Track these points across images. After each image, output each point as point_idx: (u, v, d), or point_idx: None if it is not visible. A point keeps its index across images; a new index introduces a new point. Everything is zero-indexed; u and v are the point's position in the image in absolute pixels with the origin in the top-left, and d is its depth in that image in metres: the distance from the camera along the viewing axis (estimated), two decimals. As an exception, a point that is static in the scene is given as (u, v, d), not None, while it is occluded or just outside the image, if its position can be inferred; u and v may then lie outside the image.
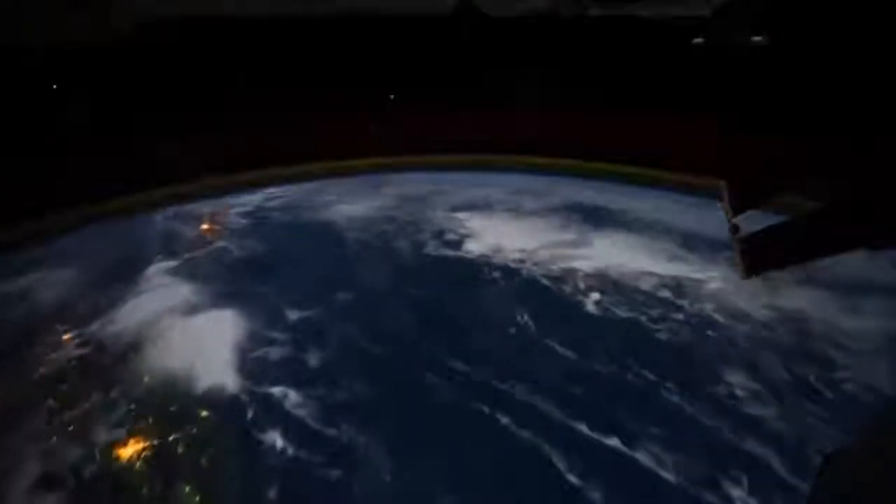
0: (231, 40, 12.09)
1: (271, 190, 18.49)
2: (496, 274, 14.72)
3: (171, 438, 9.31)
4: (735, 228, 4.76)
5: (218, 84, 12.64)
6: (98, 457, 8.95)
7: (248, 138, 13.40)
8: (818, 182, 4.97)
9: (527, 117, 13.44)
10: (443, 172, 18.94)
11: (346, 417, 9.72)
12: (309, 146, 14.11)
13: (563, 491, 8.61)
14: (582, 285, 13.91)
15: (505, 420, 9.69)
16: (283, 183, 17.50)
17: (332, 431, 9.54)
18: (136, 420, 9.58)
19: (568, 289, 13.89)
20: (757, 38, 7.53)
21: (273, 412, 9.86)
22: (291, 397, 10.27)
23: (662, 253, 15.26)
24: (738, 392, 10.06)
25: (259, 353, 11.58)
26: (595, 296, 13.49)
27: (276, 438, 9.42)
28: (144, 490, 8.62)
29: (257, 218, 17.91)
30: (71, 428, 9.46)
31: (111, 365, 10.94)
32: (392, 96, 13.90)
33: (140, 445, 9.26)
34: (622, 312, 12.95)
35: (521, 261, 15.26)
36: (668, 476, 8.68)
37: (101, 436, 9.20)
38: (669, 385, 10.38)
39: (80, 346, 11.54)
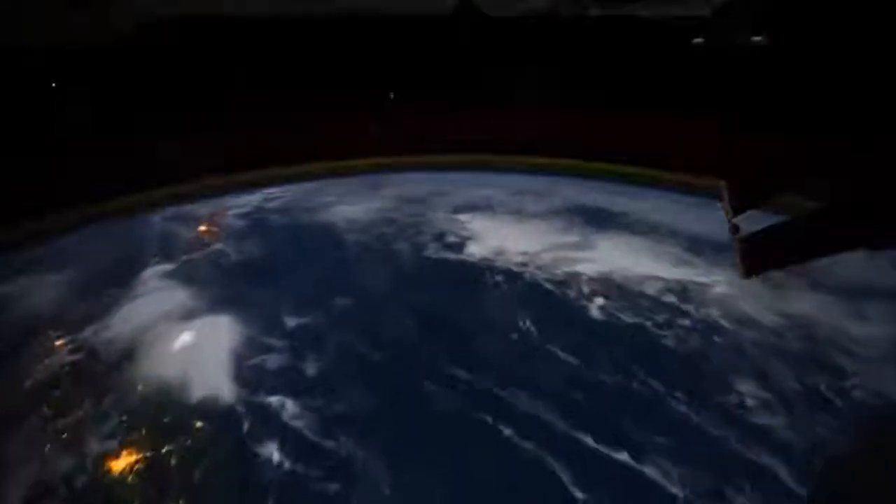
0: (231, 40, 12.09)
1: (270, 190, 18.42)
2: (498, 278, 14.62)
3: (164, 450, 9.11)
4: (735, 228, 4.76)
5: (218, 84, 12.64)
6: (90, 469, 8.75)
7: (248, 138, 13.40)
8: (818, 182, 4.97)
9: (527, 117, 13.44)
10: (443, 172, 18.90)
11: (345, 429, 9.53)
12: (309, 146, 14.11)
13: (567, 505, 8.48)
14: (586, 290, 13.80)
15: (507, 431, 9.53)
16: (283, 183, 17.48)
17: (330, 444, 9.34)
18: (129, 431, 9.37)
19: (571, 293, 13.79)
20: (757, 38, 7.53)
21: (270, 423, 9.67)
22: (289, 407, 10.09)
23: (666, 256, 15.17)
24: (747, 401, 9.89)
25: (256, 360, 11.43)
26: (599, 300, 13.38)
27: (272, 451, 9.22)
28: (136, 504, 8.44)
29: (256, 220, 17.80)
30: (63, 438, 9.28)
31: (104, 372, 10.78)
32: (392, 95, 13.90)
33: (132, 457, 9.08)
34: (627, 318, 12.83)
35: (524, 264, 15.16)
36: (675, 489, 8.53)
37: (93, 447, 9.00)
38: (676, 394, 10.23)
39: (73, 352, 11.39)
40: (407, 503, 8.68)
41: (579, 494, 8.67)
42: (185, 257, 15.58)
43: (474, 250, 16.31)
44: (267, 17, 11.78)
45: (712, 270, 14.36)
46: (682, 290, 13.57)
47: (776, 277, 12.60)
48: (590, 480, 8.85)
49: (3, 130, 10.96)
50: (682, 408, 9.96)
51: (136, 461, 9.03)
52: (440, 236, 17.07)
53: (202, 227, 17.53)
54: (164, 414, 9.87)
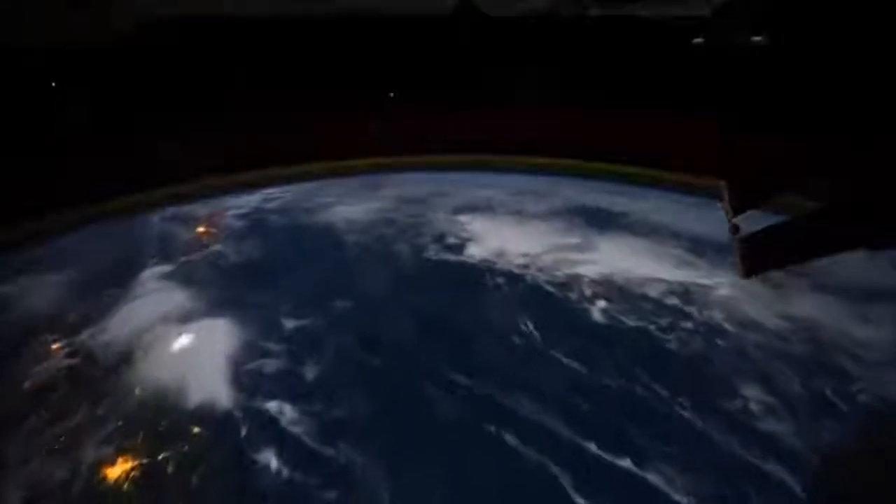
0: (231, 40, 12.10)
1: (270, 191, 18.32)
2: (499, 280, 14.50)
3: (160, 457, 8.93)
4: (735, 228, 4.77)
5: (218, 84, 12.64)
6: (85, 475, 8.58)
7: (248, 138, 13.40)
8: (818, 182, 4.98)
9: (527, 117, 13.45)
10: (443, 172, 18.85)
11: (344, 435, 9.36)
12: (309, 146, 14.11)
13: (571, 513, 8.35)
14: (588, 292, 13.69)
15: (509, 438, 9.38)
16: (283, 183, 17.46)
17: (329, 451, 9.17)
18: (126, 436, 9.19)
19: (573, 296, 13.67)
20: (757, 38, 7.53)
21: (268, 429, 9.49)
22: (287, 413, 9.91)
23: (668, 257, 15.06)
24: (752, 406, 9.76)
25: (254, 365, 11.29)
26: (601, 303, 13.26)
27: (270, 458, 9.05)
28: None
29: (255, 220, 17.66)
30: (58, 443, 9.10)
31: (101, 376, 10.61)
32: (392, 94, 13.90)
33: (128, 465, 8.92)
34: (629, 321, 12.70)
35: (525, 266, 15.03)
36: (679, 497, 8.40)
37: (89, 453, 8.83)
38: (680, 399, 10.11)
39: (70, 355, 11.24)
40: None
41: (582, 502, 8.55)
42: (183, 258, 15.44)
43: (475, 252, 16.18)
44: (267, 17, 11.78)
45: (715, 272, 14.24)
46: (685, 293, 13.46)
47: (777, 279, 12.57)
48: (593, 488, 8.72)
49: (3, 130, 10.95)
50: (686, 413, 9.82)
51: (133, 468, 8.88)
52: (440, 237, 16.94)
53: (201, 228, 17.44)
54: (160, 419, 9.70)
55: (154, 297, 13.46)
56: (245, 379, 10.86)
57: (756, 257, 4.68)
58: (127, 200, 13.46)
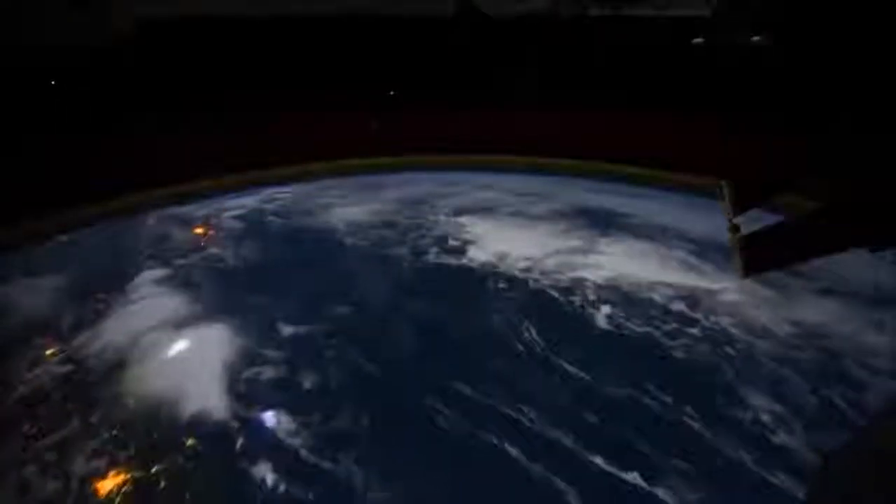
0: (231, 40, 12.10)
1: (269, 192, 18.32)
2: (501, 284, 14.42)
3: (153, 470, 8.71)
4: (735, 228, 4.78)
5: (218, 84, 12.64)
6: (75, 490, 8.34)
7: (248, 138, 13.39)
8: (818, 182, 4.98)
9: (527, 117, 13.45)
10: (443, 173, 18.85)
11: (342, 447, 9.09)
12: (309, 146, 14.10)
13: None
14: (592, 297, 13.63)
15: (513, 451, 9.17)
16: (283, 183, 17.47)
17: (327, 464, 8.91)
18: (118, 448, 8.93)
19: (577, 300, 13.60)
20: (757, 38, 7.55)
21: (263, 441, 9.25)
22: (284, 424, 9.71)
23: (672, 260, 15.01)
24: (762, 417, 9.59)
25: (250, 373, 11.10)
26: (606, 309, 13.19)
27: (266, 472, 8.82)
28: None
29: (253, 222, 17.62)
30: (49, 455, 8.85)
31: (94, 384, 10.42)
32: (392, 93, 13.90)
33: (120, 478, 8.69)
34: (635, 327, 12.61)
35: (528, 270, 14.97)
36: None
37: (80, 466, 8.60)
38: (688, 409, 9.93)
39: (63, 362, 11.08)
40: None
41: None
42: (180, 261, 15.40)
43: (476, 255, 16.14)
44: (267, 17, 11.78)
45: (720, 276, 14.17)
46: (691, 297, 13.40)
47: (784, 282, 12.54)
48: (600, 503, 8.58)
49: (2, 130, 10.94)
50: (695, 424, 9.68)
51: (124, 482, 8.69)
52: (441, 240, 16.90)
53: (199, 230, 17.39)
54: (154, 429, 9.49)
55: (150, 301, 13.40)
56: (241, 387, 10.71)
57: (756, 257, 4.69)
58: (127, 200, 13.42)
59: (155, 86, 12.24)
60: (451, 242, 15.23)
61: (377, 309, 12.25)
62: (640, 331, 11.46)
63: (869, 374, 10.20)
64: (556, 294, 12.85)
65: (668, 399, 9.52)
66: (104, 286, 11.98)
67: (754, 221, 4.43)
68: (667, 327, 11.68)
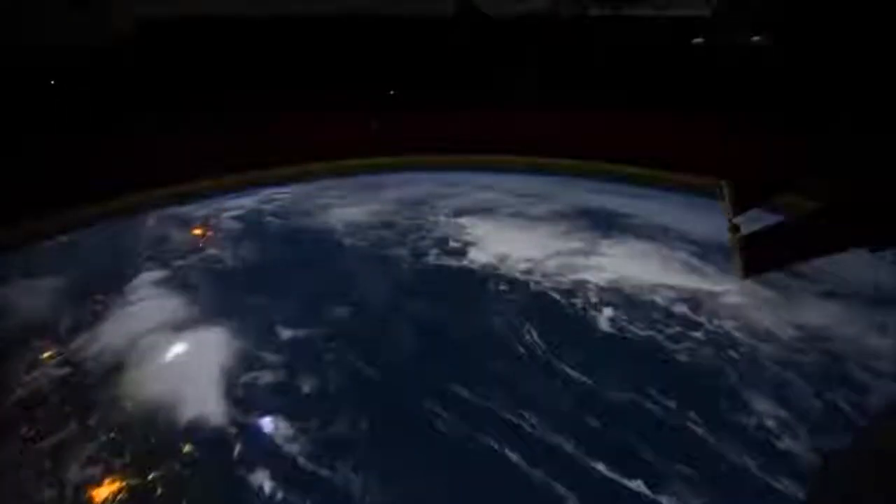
0: (231, 40, 12.11)
1: (268, 192, 18.20)
2: (502, 286, 14.22)
3: (150, 477, 8.50)
4: (735, 228, 4.75)
5: (218, 84, 12.64)
6: (70, 498, 8.14)
7: (248, 138, 13.39)
8: (818, 182, 4.96)
9: (527, 117, 13.44)
10: (443, 173, 18.78)
11: (341, 454, 8.90)
12: (309, 146, 14.10)
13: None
14: (594, 299, 13.45)
15: (513, 456, 8.98)
16: (283, 183, 17.43)
17: (325, 472, 8.71)
18: (114, 454, 8.72)
19: (579, 303, 13.42)
20: (757, 38, 7.53)
21: (261, 447, 9.06)
22: (282, 430, 9.49)
23: (674, 262, 14.85)
24: (766, 422, 9.39)
25: (248, 377, 10.91)
26: (608, 311, 13.00)
27: (263, 479, 8.63)
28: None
29: (252, 222, 17.45)
30: (45, 460, 8.60)
31: (91, 388, 10.20)
32: (392, 92, 13.89)
33: (116, 486, 8.47)
34: (638, 330, 12.41)
35: (529, 272, 14.79)
36: None
37: (75, 473, 8.40)
38: (692, 414, 9.74)
39: (60, 365, 10.87)
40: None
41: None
42: (179, 262, 15.20)
43: (476, 256, 15.96)
44: (267, 17, 11.78)
45: (722, 278, 13.99)
46: (693, 300, 13.22)
47: (786, 284, 12.44)
48: None
49: (2, 130, 10.95)
50: (699, 430, 9.50)
51: (120, 489, 8.50)
52: (441, 241, 16.75)
53: (197, 231, 17.25)
54: (151, 435, 9.27)
55: (148, 303, 13.26)
56: (239, 392, 10.50)
57: (756, 257, 4.67)
58: (127, 200, 13.42)
59: (155, 86, 12.25)
60: (452, 244, 15.13)
61: (377, 311, 12.11)
62: (643, 334, 11.32)
63: (872, 376, 10.09)
64: (557, 296, 12.71)
65: (672, 403, 9.36)
66: (103, 287, 11.88)
67: (754, 221, 4.41)
68: (669, 330, 11.50)
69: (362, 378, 10.97)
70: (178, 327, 12.04)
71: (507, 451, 9.29)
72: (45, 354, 10.99)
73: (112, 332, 11.65)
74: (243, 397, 10.21)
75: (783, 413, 9.89)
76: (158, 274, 13.97)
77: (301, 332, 12.29)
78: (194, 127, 12.42)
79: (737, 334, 12.24)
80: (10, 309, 12.03)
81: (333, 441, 9.39)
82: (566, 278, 14.40)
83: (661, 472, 8.67)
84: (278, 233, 16.76)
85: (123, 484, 8.35)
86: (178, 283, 13.60)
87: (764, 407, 10.04)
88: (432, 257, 15.86)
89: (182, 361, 11.07)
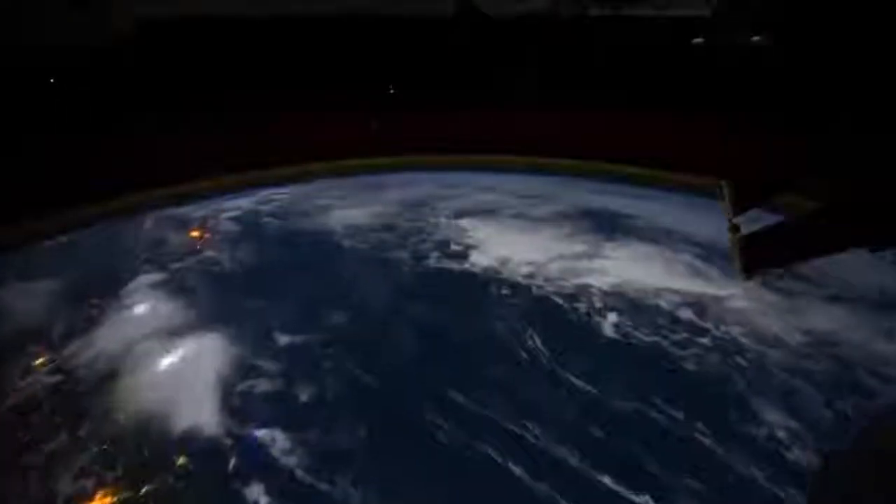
0: (231, 40, 12.12)
1: (267, 193, 18.03)
2: (504, 291, 13.86)
3: (143, 491, 8.25)
4: (735, 228, 4.70)
5: (218, 84, 12.66)
6: None
7: (248, 138, 13.41)
8: (818, 182, 4.91)
9: (527, 117, 13.41)
10: (443, 173, 18.72)
11: (340, 467, 8.57)
12: (309, 146, 14.10)
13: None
14: (598, 304, 13.08)
15: (517, 469, 8.67)
16: (283, 183, 17.38)
17: (323, 485, 8.43)
18: (106, 467, 8.46)
19: (583, 308, 13.05)
20: (757, 38, 7.49)
21: (257, 460, 8.77)
22: (279, 442, 9.12)
23: (678, 265, 14.58)
24: (776, 433, 9.06)
25: (244, 386, 10.57)
26: (612, 317, 12.61)
27: (259, 494, 8.35)
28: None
29: (250, 224, 17.23)
30: (35, 472, 8.36)
31: (84, 396, 9.91)
32: (392, 90, 13.89)
33: (107, 500, 8.25)
34: (643, 336, 12.04)
35: (531, 275, 14.49)
36: None
37: (66, 485, 8.15)
38: (699, 425, 9.41)
39: (52, 372, 10.59)
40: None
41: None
42: (176, 265, 14.96)
43: (478, 259, 15.69)
44: (267, 17, 11.79)
45: (727, 281, 13.68)
46: (698, 304, 12.89)
47: (791, 288, 12.28)
48: None
49: (2, 130, 10.97)
50: (707, 440, 9.19)
51: None
52: (442, 244, 16.51)
53: (195, 233, 17.08)
54: (144, 447, 8.99)
55: (144, 307, 12.99)
56: (235, 401, 10.15)
57: (756, 257, 4.62)
58: (127, 200, 13.44)
59: (155, 86, 12.27)
60: (453, 247, 14.99)
61: (377, 316, 11.89)
62: (648, 340, 11.08)
63: (879, 382, 9.91)
64: (560, 301, 12.51)
65: (678, 413, 9.09)
66: (99, 290, 11.74)
67: (754, 221, 4.35)
68: (675, 336, 11.22)
69: (362, 387, 10.73)
70: (174, 333, 11.75)
71: (509, 462, 9.03)
72: (39, 360, 10.69)
73: (107, 338, 11.39)
74: (239, 407, 9.93)
75: (793, 423, 9.59)
76: (155, 277, 13.75)
77: (299, 338, 11.97)
78: (194, 127, 12.43)
79: (744, 340, 11.91)
80: (7, 312, 11.82)
81: (332, 453, 9.09)
82: (569, 282, 14.13)
83: (667, 484, 8.42)
84: (277, 234, 16.54)
85: (115, 499, 8.07)
86: (175, 286, 13.36)
87: (773, 417, 9.73)
88: (433, 260, 15.60)
89: (177, 369, 10.80)
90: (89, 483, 8.36)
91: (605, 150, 13.59)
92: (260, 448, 9.11)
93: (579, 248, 15.92)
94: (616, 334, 12.50)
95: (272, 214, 17.94)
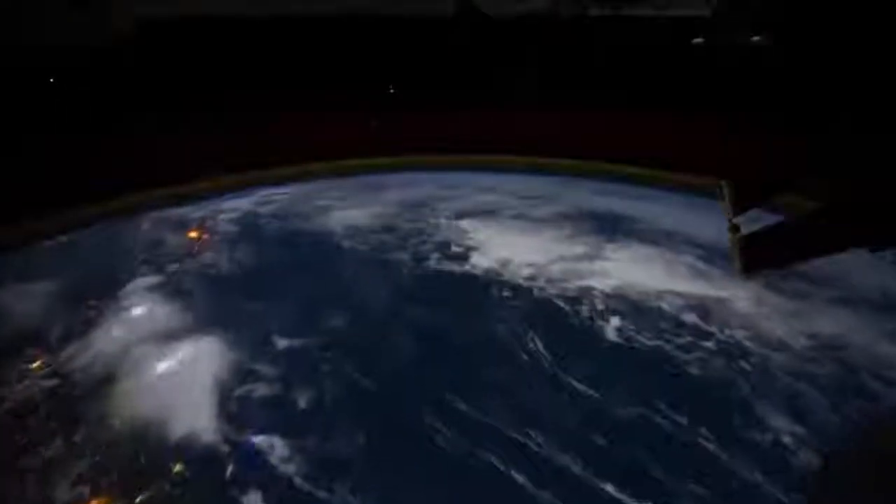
0: (231, 40, 12.14)
1: (266, 193, 17.98)
2: (505, 293, 13.83)
3: (138, 499, 8.22)
4: (735, 228, 4.69)
5: (218, 84, 12.67)
6: None
7: (248, 138, 13.42)
8: (818, 182, 4.90)
9: (527, 117, 13.42)
10: (443, 173, 18.70)
11: (338, 474, 8.59)
12: (309, 146, 14.11)
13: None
14: (600, 307, 13.04)
15: (519, 477, 8.63)
16: (283, 183, 17.38)
17: (322, 493, 8.43)
18: (100, 474, 8.44)
19: (585, 311, 13.01)
20: (757, 38, 7.48)
21: (256, 467, 8.77)
22: (277, 448, 9.11)
23: (680, 266, 14.49)
24: (783, 439, 9.03)
25: (242, 390, 10.57)
26: (615, 320, 12.59)
27: (256, 502, 8.35)
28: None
29: (249, 225, 17.14)
30: (29, 479, 8.33)
31: (79, 401, 9.90)
32: (392, 90, 13.91)
33: None
34: (646, 340, 12.00)
35: (532, 277, 14.44)
36: None
37: (61, 493, 8.13)
38: (703, 430, 9.38)
39: (47, 376, 10.56)
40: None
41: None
42: (173, 267, 14.84)
43: (478, 261, 15.61)
44: (267, 17, 11.81)
45: (730, 283, 13.59)
46: (701, 307, 12.84)
47: (795, 290, 12.24)
48: None
49: (2, 130, 10.99)
50: (711, 446, 9.15)
51: None
52: (442, 245, 16.43)
53: (193, 234, 17.03)
54: (140, 453, 8.97)
55: (141, 310, 12.91)
56: (233, 407, 10.12)
57: (756, 257, 4.61)
58: (127, 200, 13.47)
59: (155, 86, 12.29)
60: (454, 248, 14.99)
61: (376, 318, 11.90)
62: (651, 344, 11.08)
63: (883, 385, 9.90)
64: (562, 303, 12.49)
65: (682, 418, 9.11)
66: (97, 292, 11.71)
67: (754, 221, 4.34)
68: (678, 340, 11.22)
69: (361, 391, 10.67)
70: (171, 336, 11.68)
71: (512, 470, 8.94)
72: (35, 364, 10.68)
73: (104, 341, 11.36)
74: (237, 412, 9.90)
75: (798, 428, 9.49)
76: (153, 279, 13.67)
77: (297, 342, 11.91)
78: (194, 127, 12.45)
79: (748, 343, 11.81)
80: (3, 314, 11.80)
81: (331, 459, 9.05)
82: (571, 284, 14.06)
83: (671, 490, 8.35)
84: (276, 236, 16.46)
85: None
86: (173, 288, 13.28)
87: (778, 422, 9.63)
88: (433, 262, 15.53)
89: (174, 373, 10.76)
90: (85, 490, 8.24)
91: (605, 150, 13.59)
92: (258, 454, 9.03)
93: (580, 249, 15.83)
94: (618, 338, 12.38)
95: (271, 215, 17.83)
